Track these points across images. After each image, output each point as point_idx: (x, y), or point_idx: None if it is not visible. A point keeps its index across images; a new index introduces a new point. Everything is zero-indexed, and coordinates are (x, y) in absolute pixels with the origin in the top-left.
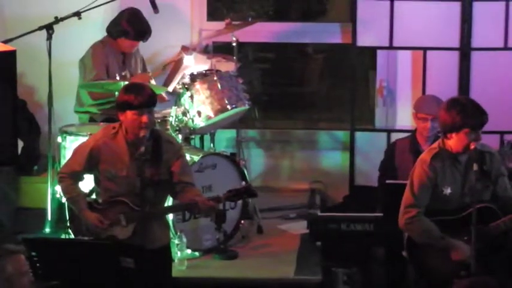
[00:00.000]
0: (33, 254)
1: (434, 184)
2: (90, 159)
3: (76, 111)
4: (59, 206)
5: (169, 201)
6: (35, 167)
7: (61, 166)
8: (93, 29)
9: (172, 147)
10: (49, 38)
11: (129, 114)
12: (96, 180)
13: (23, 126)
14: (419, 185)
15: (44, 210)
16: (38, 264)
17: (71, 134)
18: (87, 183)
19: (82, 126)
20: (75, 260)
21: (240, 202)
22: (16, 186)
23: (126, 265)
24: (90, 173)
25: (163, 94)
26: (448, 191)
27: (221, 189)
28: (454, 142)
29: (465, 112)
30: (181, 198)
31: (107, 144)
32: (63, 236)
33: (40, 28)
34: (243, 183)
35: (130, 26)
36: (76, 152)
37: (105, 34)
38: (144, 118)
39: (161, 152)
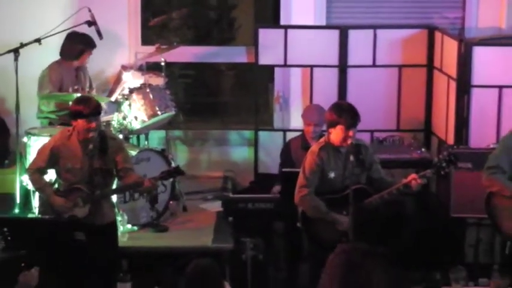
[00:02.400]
0: (5, 230)
1: (321, 170)
2: (52, 157)
3: (38, 117)
4: (25, 192)
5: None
6: (6, 161)
7: (29, 163)
8: (50, 51)
9: (116, 142)
10: (16, 59)
11: (80, 121)
12: (57, 173)
13: None
14: (309, 170)
15: (13, 195)
16: (9, 238)
17: (34, 135)
18: (49, 176)
19: (43, 129)
20: (39, 234)
21: (169, 187)
22: None
23: (79, 238)
24: (52, 168)
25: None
26: (332, 175)
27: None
28: (333, 136)
29: (340, 112)
30: (125, 181)
31: (64, 144)
32: (29, 216)
33: (8, 51)
34: (173, 165)
35: (86, 43)
36: (40, 151)
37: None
38: (92, 124)
39: (107, 147)
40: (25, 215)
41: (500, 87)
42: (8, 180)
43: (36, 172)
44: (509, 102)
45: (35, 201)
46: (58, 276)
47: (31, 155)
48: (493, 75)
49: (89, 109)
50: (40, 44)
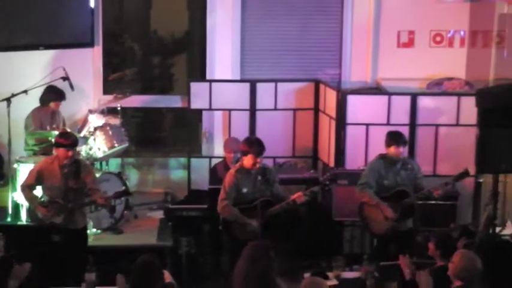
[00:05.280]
0: (0, 234)
1: (236, 186)
2: (38, 177)
3: (25, 149)
4: (15, 206)
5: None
6: (1, 182)
7: (21, 182)
8: (35, 100)
9: (87, 167)
10: (8, 106)
11: (61, 150)
12: (42, 189)
13: None
14: (228, 187)
15: (6, 208)
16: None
17: (22, 162)
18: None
19: (28, 158)
20: (26, 237)
21: (124, 200)
22: None
23: (56, 240)
24: (39, 185)
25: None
26: (245, 190)
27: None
28: (245, 162)
29: (251, 145)
30: (92, 198)
31: (47, 168)
32: (18, 223)
33: (2, 100)
34: (123, 187)
35: (55, 93)
36: (30, 172)
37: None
38: (69, 153)
39: (80, 171)
40: (15, 223)
41: (367, 124)
42: (2, 196)
43: (27, 188)
44: (373, 135)
45: (23, 213)
46: (41, 268)
47: (20, 177)
48: (361, 116)
49: (69, 142)
50: (27, 94)
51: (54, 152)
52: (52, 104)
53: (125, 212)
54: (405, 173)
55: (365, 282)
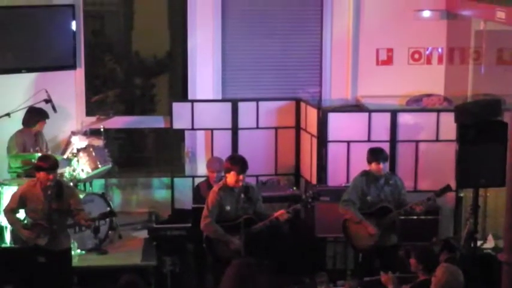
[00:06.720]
0: None
1: (220, 204)
2: (20, 200)
3: (8, 172)
4: None
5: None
6: None
7: (4, 206)
8: (17, 122)
9: (70, 189)
10: None
11: (42, 174)
12: (25, 212)
13: None
14: (211, 204)
15: None
16: None
17: (6, 184)
18: (21, 215)
19: (12, 180)
20: (11, 259)
21: (108, 221)
22: None
23: (41, 261)
24: (22, 208)
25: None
26: (228, 208)
27: (97, 214)
28: (228, 179)
29: (234, 162)
30: (77, 219)
31: (30, 191)
32: (2, 245)
33: None
34: (108, 209)
35: (39, 114)
36: (12, 196)
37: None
38: (50, 176)
39: (63, 193)
40: None
41: (348, 142)
42: None
43: (9, 211)
44: (355, 152)
45: (7, 235)
46: None
47: (4, 200)
48: (343, 133)
49: (48, 165)
50: (9, 117)
51: (36, 175)
52: (38, 125)
53: (109, 232)
54: (389, 189)
55: None
